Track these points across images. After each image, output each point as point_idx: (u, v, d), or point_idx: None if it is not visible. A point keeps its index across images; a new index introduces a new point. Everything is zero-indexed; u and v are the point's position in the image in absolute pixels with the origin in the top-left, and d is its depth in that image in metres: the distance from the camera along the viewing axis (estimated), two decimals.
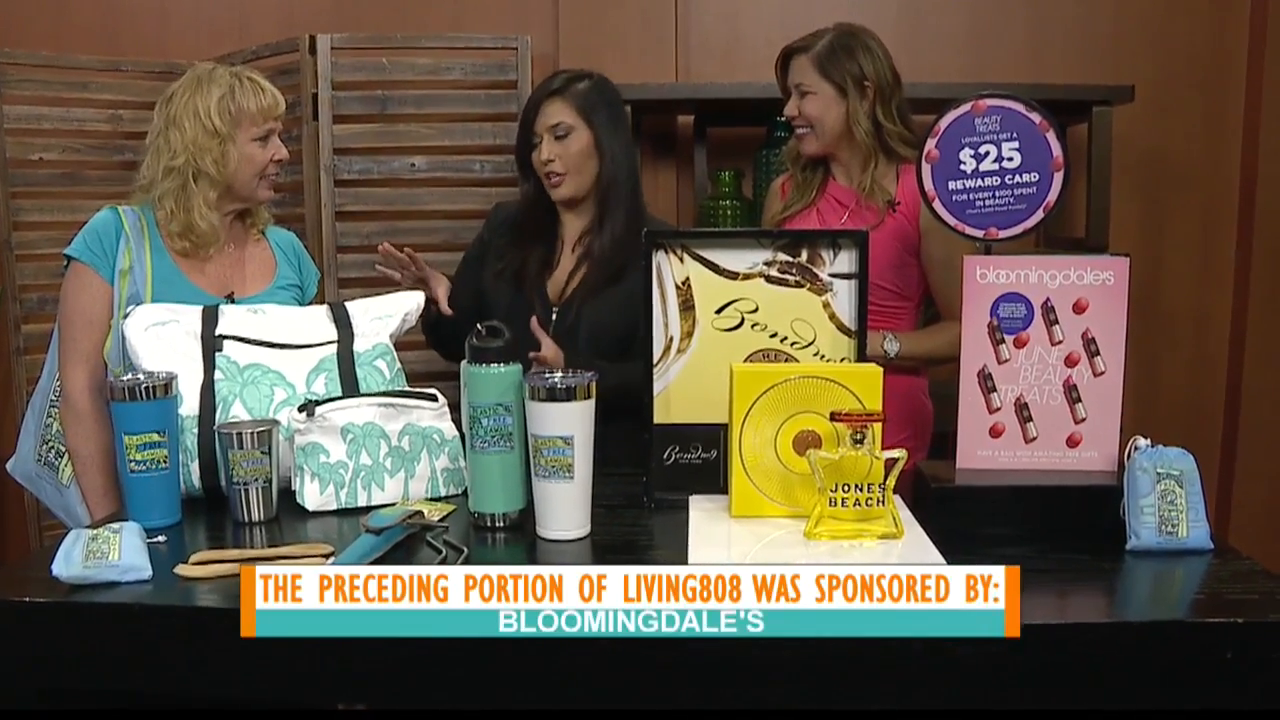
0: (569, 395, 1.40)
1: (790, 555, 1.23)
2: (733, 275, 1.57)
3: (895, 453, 1.29)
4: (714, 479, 1.57)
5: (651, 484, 1.58)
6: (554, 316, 2.12)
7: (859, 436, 1.29)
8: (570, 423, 1.40)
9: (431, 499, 1.64)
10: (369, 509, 1.57)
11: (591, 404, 1.42)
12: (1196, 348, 3.22)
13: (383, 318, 1.84)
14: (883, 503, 1.28)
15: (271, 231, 2.23)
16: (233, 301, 1.99)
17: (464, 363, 1.50)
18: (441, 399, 1.68)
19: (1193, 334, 3.22)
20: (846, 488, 1.27)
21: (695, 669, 1.18)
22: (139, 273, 1.98)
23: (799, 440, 1.36)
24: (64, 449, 2.03)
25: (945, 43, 3.08)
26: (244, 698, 1.29)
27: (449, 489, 1.67)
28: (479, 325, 1.49)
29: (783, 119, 2.31)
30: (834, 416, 1.30)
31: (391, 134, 2.91)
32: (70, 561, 1.32)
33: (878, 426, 1.32)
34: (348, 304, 1.86)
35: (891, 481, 1.29)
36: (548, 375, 1.42)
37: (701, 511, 1.38)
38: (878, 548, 1.26)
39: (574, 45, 3.02)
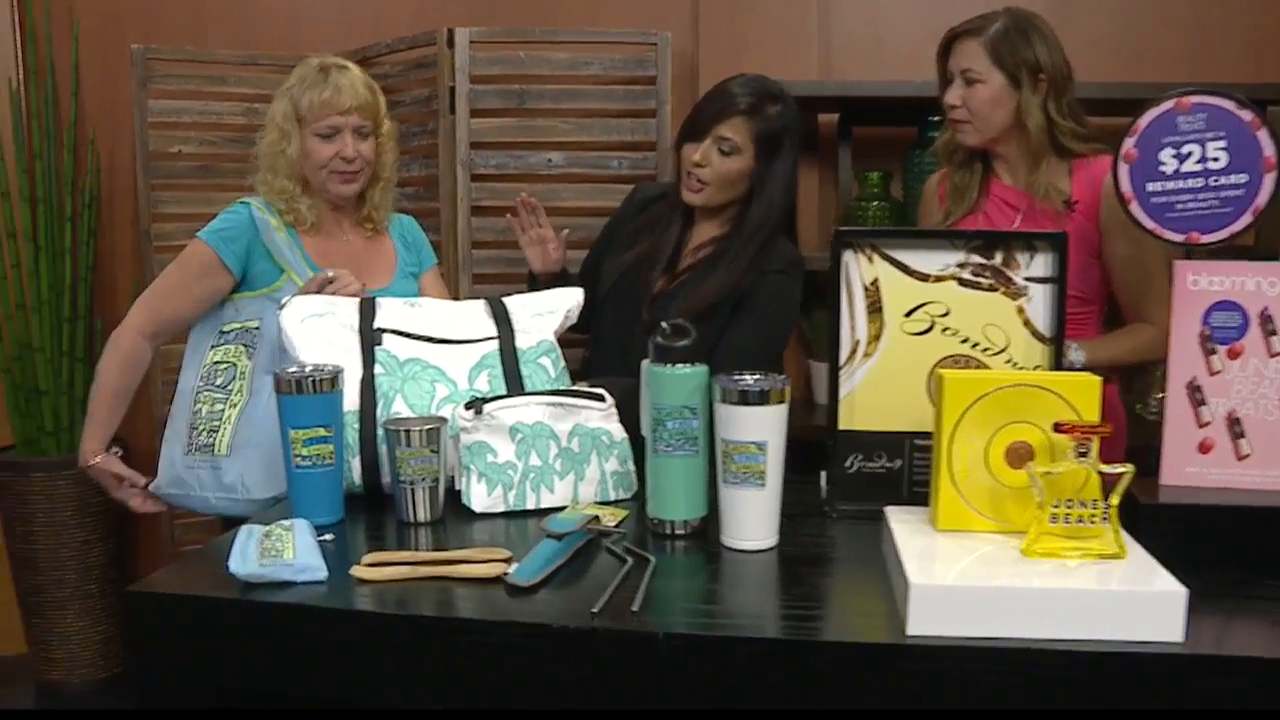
0: (762, 399, 1.33)
1: (1012, 574, 1.15)
2: (923, 277, 1.49)
3: (1122, 467, 1.20)
4: (897, 489, 1.49)
5: (834, 493, 1.51)
6: (644, 314, 2.09)
7: (1083, 450, 1.20)
8: (764, 427, 1.33)
9: (601, 503, 1.58)
10: (537, 512, 1.52)
11: (785, 408, 1.35)
12: None
13: (544, 314, 1.78)
14: (1106, 520, 1.19)
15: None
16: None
17: (646, 362, 1.45)
18: (609, 399, 1.62)
19: None
20: (1070, 504, 1.19)
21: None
22: (290, 255, 2.07)
23: (1011, 452, 1.28)
24: (215, 426, 2.04)
25: (1097, 41, 2.96)
26: (418, 705, 1.24)
27: (618, 493, 1.61)
28: (663, 324, 1.43)
29: (933, 119, 2.19)
30: (1058, 428, 1.21)
31: (528, 129, 2.88)
32: (246, 559, 1.29)
33: (1098, 440, 1.23)
34: (505, 300, 1.81)
35: (1116, 498, 1.20)
36: (738, 377, 1.36)
37: (902, 524, 1.30)
38: (1102, 568, 1.17)
39: (714, 41, 2.96)
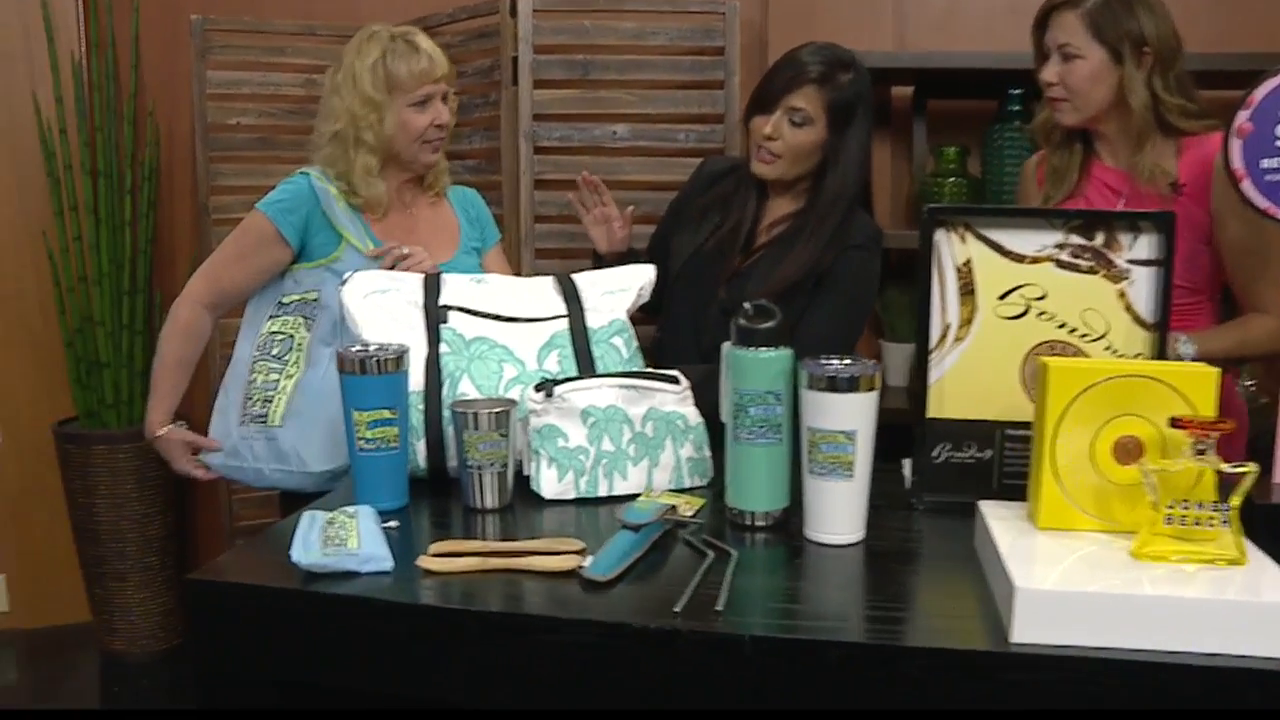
0: (852, 385, 1.26)
1: (1126, 580, 1.07)
2: (1019, 258, 1.40)
3: (1246, 466, 1.11)
4: (987, 481, 1.42)
5: (920, 483, 1.43)
6: (721, 293, 2.01)
7: (1202, 447, 1.12)
8: (854, 416, 1.26)
9: (675, 490, 1.52)
10: (609, 499, 1.46)
11: (876, 396, 1.28)
12: None
13: (615, 292, 1.71)
14: (1226, 523, 1.11)
15: (452, 191, 2.22)
16: None
17: (727, 345, 1.38)
18: (684, 381, 1.55)
19: None
20: (1185, 504, 1.11)
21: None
22: (350, 224, 2.02)
23: (1119, 447, 1.20)
24: (270, 396, 2.01)
25: (1188, 9, 2.82)
26: (486, 705, 1.18)
27: (693, 480, 1.54)
28: (746, 305, 1.36)
29: (1014, 91, 2.07)
30: (1175, 423, 1.13)
31: (593, 100, 2.81)
32: (309, 547, 1.24)
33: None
34: (574, 276, 1.75)
35: (1238, 500, 1.11)
36: (825, 362, 1.29)
37: (999, 521, 1.22)
38: (1219, 575, 1.09)
39: (784, 11, 2.86)
